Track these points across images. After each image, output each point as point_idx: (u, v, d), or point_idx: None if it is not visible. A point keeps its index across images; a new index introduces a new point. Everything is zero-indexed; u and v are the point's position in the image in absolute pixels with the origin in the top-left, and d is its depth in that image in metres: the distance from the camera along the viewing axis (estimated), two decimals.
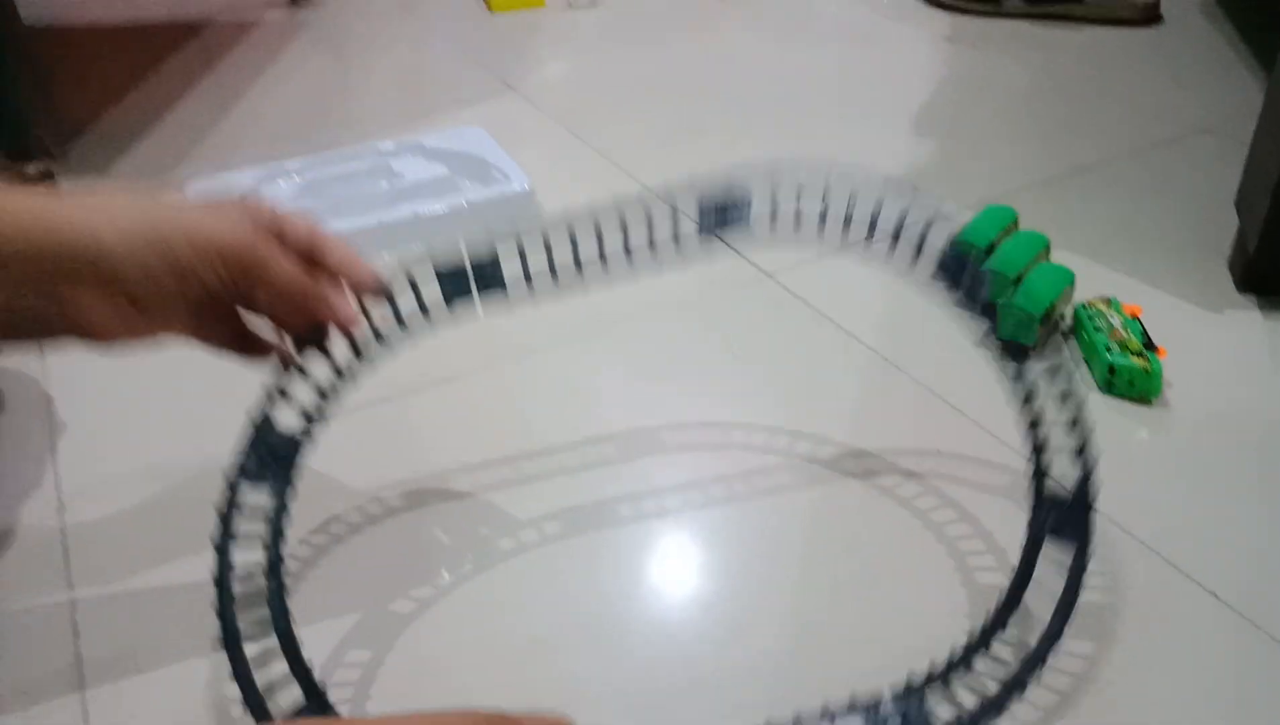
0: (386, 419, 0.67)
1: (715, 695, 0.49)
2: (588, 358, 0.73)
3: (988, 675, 0.47)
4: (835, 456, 0.63)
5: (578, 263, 0.53)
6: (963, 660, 0.48)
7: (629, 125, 1.10)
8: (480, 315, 0.53)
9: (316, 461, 0.56)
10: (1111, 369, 0.66)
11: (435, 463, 0.63)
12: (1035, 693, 0.48)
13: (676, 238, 0.52)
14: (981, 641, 0.48)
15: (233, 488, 0.47)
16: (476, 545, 0.58)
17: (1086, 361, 0.70)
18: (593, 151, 1.05)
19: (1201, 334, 0.74)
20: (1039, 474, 0.50)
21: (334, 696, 0.48)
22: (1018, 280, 0.73)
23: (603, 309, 0.78)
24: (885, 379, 0.70)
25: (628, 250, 0.53)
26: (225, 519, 0.47)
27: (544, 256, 0.52)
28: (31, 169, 0.84)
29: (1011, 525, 0.56)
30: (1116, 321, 0.69)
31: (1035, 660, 0.45)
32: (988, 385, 0.69)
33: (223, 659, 0.49)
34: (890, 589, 0.55)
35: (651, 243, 0.52)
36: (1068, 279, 0.73)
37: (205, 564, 0.56)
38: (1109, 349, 0.67)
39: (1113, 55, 1.27)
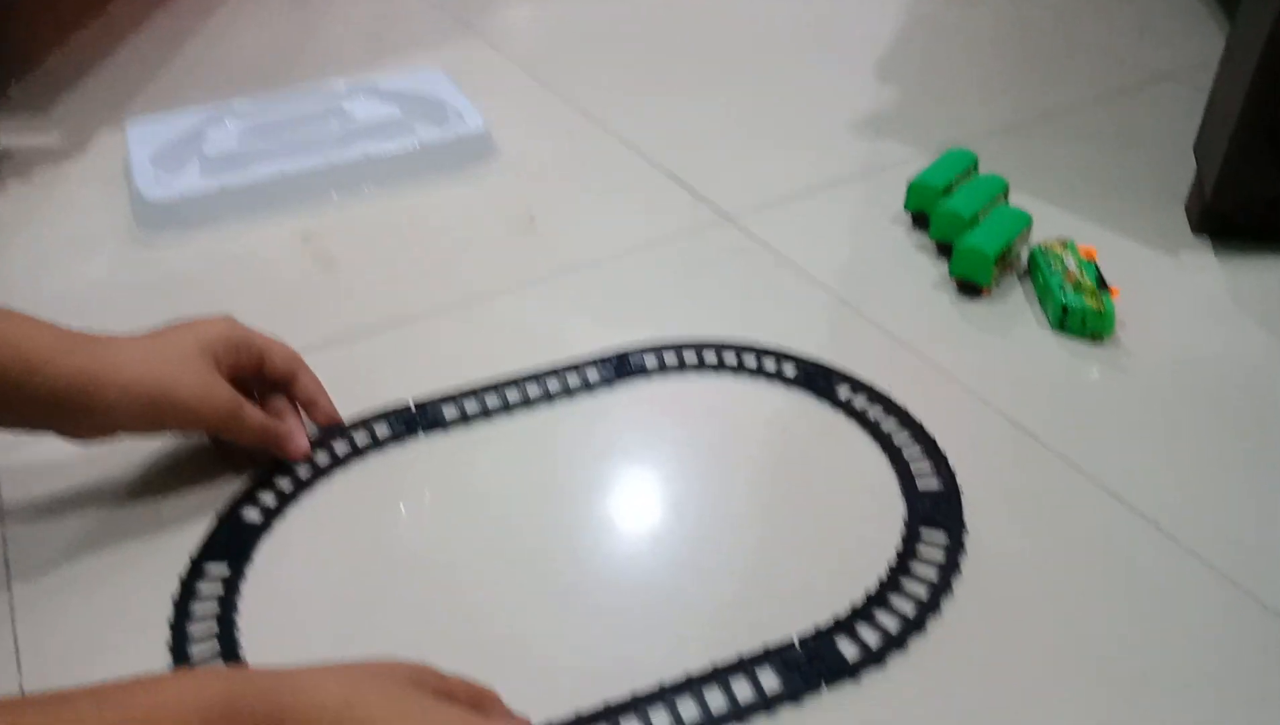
0: (341, 361, 0.66)
1: (665, 624, 0.49)
2: (546, 304, 0.72)
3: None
4: (792, 381, 0.63)
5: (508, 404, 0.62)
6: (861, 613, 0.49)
7: (590, 68, 1.08)
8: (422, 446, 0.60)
9: None
10: (1064, 308, 0.66)
11: (392, 401, 0.62)
12: (977, 623, 0.49)
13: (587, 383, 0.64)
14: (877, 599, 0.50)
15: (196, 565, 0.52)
16: (431, 480, 0.58)
17: (1040, 301, 0.70)
18: (552, 94, 1.03)
19: (1157, 276, 0.73)
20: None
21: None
22: (973, 221, 0.72)
23: (561, 256, 0.77)
24: (846, 323, 0.69)
25: (549, 395, 0.63)
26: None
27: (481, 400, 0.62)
28: None
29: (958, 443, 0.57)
30: (1071, 263, 0.69)
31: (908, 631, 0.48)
32: (947, 329, 0.69)
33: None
34: (839, 499, 0.56)
35: (567, 388, 0.63)
36: (1025, 221, 0.73)
37: (145, 550, 0.55)
38: (1062, 289, 0.67)
39: (1078, 2, 1.26)
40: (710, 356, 0.65)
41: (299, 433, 0.58)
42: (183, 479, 0.57)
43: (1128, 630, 0.49)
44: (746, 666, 0.46)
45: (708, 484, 0.57)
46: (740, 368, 0.65)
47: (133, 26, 1.18)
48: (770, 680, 0.45)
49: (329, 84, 0.96)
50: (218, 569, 0.52)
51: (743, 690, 0.45)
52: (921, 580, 0.50)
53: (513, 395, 0.62)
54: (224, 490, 0.56)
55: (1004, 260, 0.70)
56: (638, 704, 0.44)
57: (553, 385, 0.63)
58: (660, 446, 0.60)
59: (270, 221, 0.82)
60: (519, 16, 1.25)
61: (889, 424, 0.60)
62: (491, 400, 0.62)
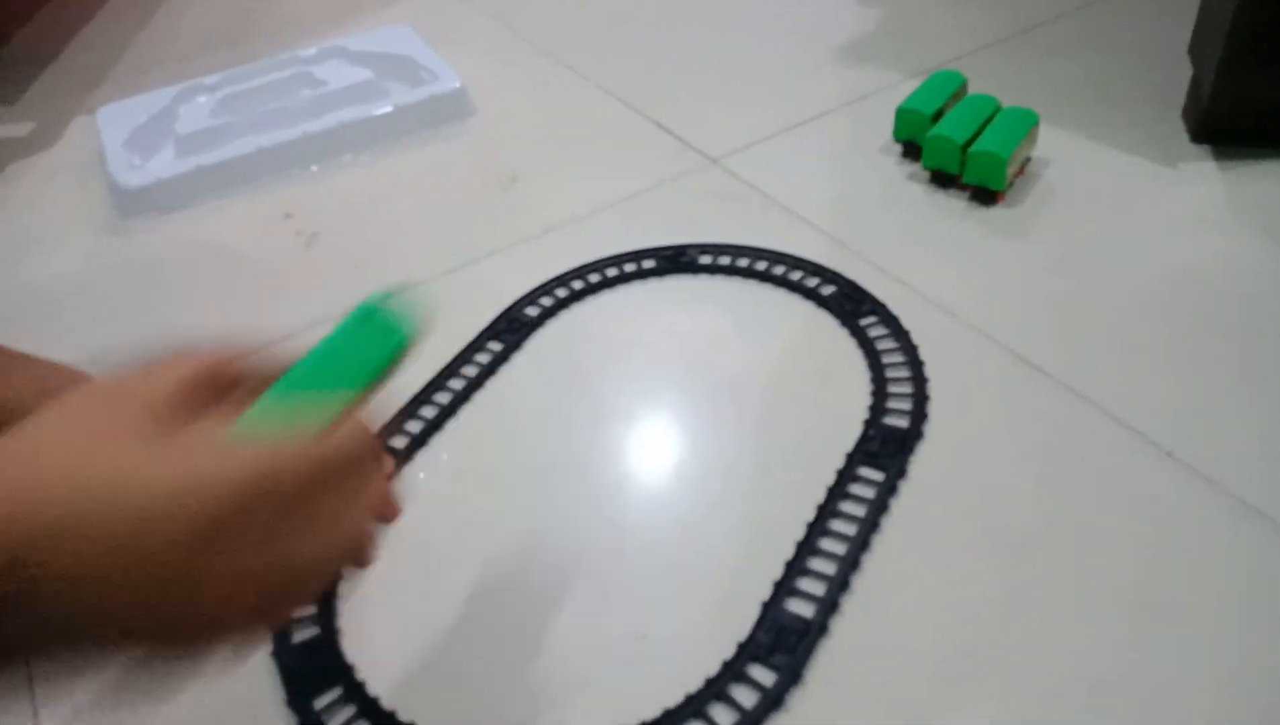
0: None
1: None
2: (533, 266, 0.70)
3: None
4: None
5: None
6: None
7: (563, 15, 1.05)
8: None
9: None
10: None
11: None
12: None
13: None
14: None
15: None
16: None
17: None
18: (524, 42, 1.00)
19: (1155, 186, 0.72)
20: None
21: None
22: (977, 134, 0.71)
23: (545, 214, 0.75)
24: (843, 266, 0.68)
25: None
26: None
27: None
28: None
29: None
30: None
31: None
32: (943, 264, 0.67)
33: None
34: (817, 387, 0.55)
35: None
36: (1032, 120, 0.71)
37: None
38: None
39: None
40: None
41: None
42: None
43: (1136, 560, 0.48)
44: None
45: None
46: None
47: (95, 4, 1.15)
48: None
49: (297, 50, 0.93)
50: None
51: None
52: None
53: None
54: None
55: (1016, 161, 0.70)
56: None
57: None
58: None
59: (250, 199, 0.80)
60: None
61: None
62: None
